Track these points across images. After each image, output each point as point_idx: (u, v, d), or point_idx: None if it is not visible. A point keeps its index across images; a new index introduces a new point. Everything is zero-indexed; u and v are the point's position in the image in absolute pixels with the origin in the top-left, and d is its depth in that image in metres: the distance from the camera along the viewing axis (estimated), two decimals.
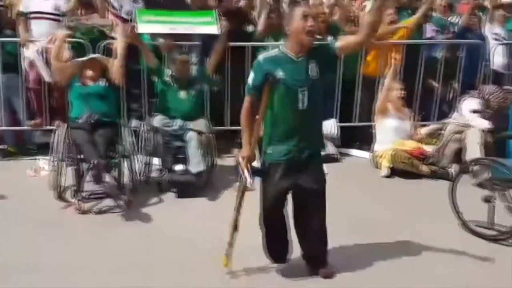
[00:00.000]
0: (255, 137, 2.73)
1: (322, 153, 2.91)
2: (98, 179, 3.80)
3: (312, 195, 2.75)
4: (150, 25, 4.87)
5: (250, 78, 2.75)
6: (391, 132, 5.06)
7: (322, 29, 2.70)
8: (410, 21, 5.66)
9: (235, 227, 2.84)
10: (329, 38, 4.42)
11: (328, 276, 2.86)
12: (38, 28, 5.19)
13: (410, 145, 4.97)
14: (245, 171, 2.70)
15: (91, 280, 2.88)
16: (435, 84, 5.73)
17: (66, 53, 4.78)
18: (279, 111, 2.69)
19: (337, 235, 3.05)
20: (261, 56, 2.77)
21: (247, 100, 2.76)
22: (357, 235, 3.35)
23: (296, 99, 2.63)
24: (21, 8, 5.23)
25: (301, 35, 2.61)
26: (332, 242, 2.97)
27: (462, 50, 5.64)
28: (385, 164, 4.82)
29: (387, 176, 4.77)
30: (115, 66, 4.31)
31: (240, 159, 2.76)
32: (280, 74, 2.63)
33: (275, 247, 2.94)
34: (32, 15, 5.22)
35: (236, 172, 4.60)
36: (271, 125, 2.72)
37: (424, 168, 4.74)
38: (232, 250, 2.88)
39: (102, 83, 4.31)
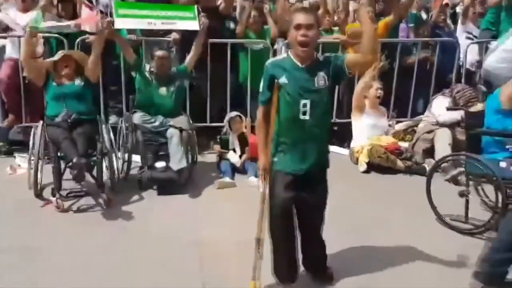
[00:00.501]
0: (270, 145, 2.67)
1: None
2: (79, 179, 3.73)
3: (312, 211, 2.71)
4: (127, 20, 4.67)
5: (261, 86, 2.69)
6: (367, 129, 5.14)
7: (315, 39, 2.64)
8: (385, 20, 5.75)
9: (258, 243, 2.70)
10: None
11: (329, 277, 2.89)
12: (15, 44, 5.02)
13: (386, 140, 5.08)
14: (261, 182, 2.66)
15: (73, 280, 2.86)
16: (412, 59, 5.76)
17: (39, 49, 4.67)
18: (284, 119, 2.63)
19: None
20: (268, 61, 2.71)
21: (260, 111, 2.70)
22: (342, 233, 3.35)
23: (298, 109, 2.56)
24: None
25: (294, 45, 2.59)
26: None
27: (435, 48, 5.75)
28: (363, 159, 4.89)
29: (365, 171, 4.85)
30: (90, 62, 4.20)
31: (260, 170, 2.71)
32: (282, 79, 2.58)
33: (282, 265, 2.78)
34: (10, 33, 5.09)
35: (218, 169, 4.69)
36: (278, 133, 2.67)
37: (400, 163, 4.83)
38: (258, 272, 2.70)
39: (78, 81, 4.18)
